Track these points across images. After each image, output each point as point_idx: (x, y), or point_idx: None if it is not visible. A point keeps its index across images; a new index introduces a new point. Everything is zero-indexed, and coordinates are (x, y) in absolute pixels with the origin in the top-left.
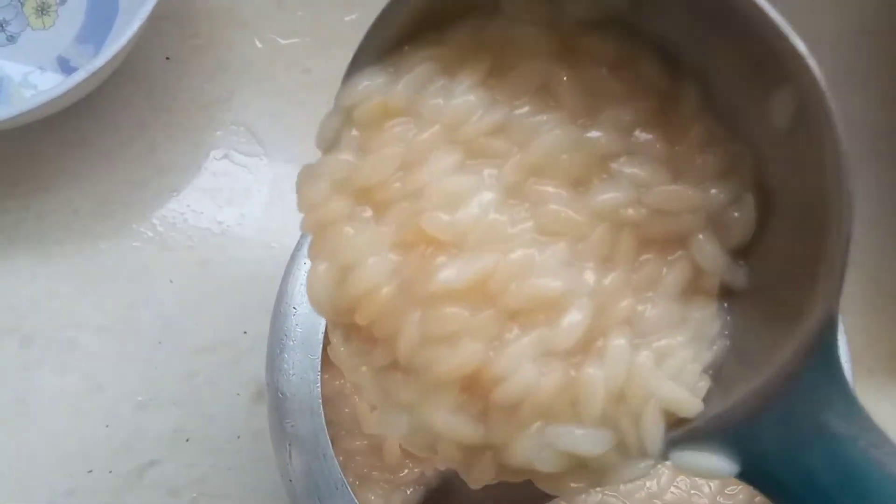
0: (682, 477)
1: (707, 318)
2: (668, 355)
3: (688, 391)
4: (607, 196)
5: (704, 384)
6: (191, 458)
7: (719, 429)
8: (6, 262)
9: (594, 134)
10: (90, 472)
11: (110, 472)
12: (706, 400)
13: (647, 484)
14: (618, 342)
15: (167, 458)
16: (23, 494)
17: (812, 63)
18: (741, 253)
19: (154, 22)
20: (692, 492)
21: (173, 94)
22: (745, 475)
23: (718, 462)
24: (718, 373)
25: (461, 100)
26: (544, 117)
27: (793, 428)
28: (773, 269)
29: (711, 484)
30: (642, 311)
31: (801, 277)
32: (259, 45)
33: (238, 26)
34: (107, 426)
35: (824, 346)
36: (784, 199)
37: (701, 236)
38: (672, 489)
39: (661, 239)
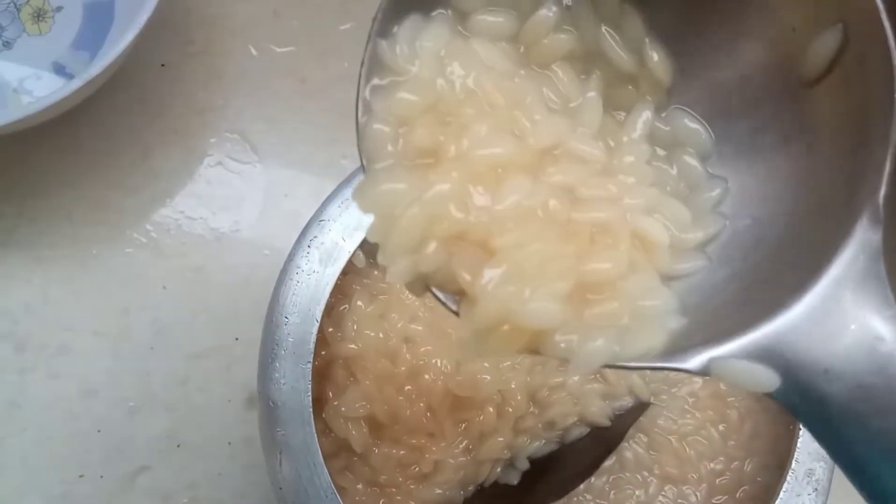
0: (669, 486)
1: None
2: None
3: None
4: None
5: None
6: (182, 464)
7: (757, 342)
8: (0, 267)
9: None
10: (82, 476)
11: (102, 476)
12: (747, 313)
13: (637, 493)
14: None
15: (159, 463)
16: (15, 498)
17: None
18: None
19: (149, 29)
20: (679, 501)
21: (168, 102)
22: (784, 392)
23: (760, 372)
24: (756, 285)
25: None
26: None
27: (836, 332)
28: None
29: (698, 493)
30: None
31: (850, 181)
32: (254, 52)
33: (233, 34)
34: (99, 431)
35: (870, 251)
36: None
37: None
38: (660, 498)
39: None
